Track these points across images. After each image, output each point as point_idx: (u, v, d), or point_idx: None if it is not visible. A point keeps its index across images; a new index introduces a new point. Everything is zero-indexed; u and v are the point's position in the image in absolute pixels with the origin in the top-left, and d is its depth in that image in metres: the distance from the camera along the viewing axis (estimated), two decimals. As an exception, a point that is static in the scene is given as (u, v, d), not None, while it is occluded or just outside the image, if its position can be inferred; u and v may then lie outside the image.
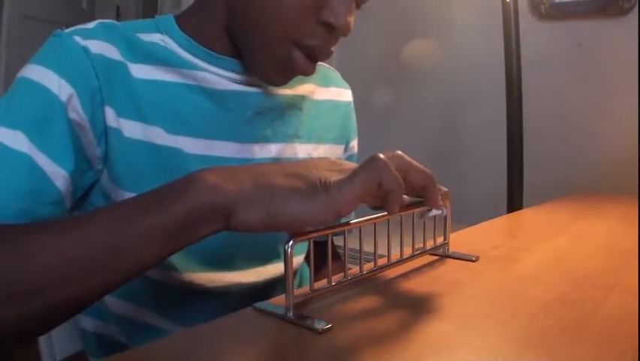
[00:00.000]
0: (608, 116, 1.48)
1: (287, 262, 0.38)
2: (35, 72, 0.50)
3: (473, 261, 0.55)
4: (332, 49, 0.56)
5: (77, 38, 0.52)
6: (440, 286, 0.47)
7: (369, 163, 0.39)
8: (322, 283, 0.44)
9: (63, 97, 0.50)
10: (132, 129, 0.54)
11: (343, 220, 0.49)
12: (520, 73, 1.18)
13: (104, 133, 0.53)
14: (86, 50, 0.52)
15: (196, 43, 0.57)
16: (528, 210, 1.00)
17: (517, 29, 1.16)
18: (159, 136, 0.55)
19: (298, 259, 0.70)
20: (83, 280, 0.37)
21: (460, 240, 0.64)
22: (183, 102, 0.56)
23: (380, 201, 0.40)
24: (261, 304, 0.41)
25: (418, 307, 0.42)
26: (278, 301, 0.42)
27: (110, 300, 0.59)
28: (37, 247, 0.37)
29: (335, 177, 0.40)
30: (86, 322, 0.63)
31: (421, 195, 0.45)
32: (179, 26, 0.58)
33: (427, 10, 1.81)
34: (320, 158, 0.48)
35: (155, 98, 0.55)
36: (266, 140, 0.62)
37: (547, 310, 0.41)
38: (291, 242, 0.38)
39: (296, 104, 0.65)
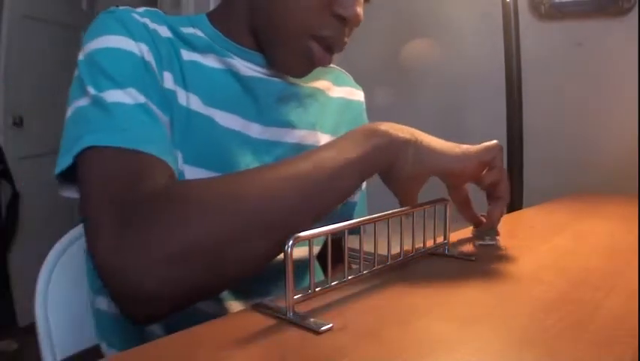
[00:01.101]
0: (608, 117, 1.48)
1: (287, 262, 0.38)
2: (108, 41, 0.53)
3: (473, 261, 0.55)
4: (345, 39, 0.61)
5: (135, 15, 0.57)
6: (440, 286, 0.47)
7: (490, 143, 0.56)
8: (322, 283, 0.44)
9: (145, 57, 0.55)
10: (181, 96, 0.58)
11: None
12: (520, 74, 1.18)
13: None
14: (145, 24, 0.57)
15: (225, 38, 0.63)
16: (528, 210, 1.00)
17: (517, 29, 1.16)
18: (196, 104, 0.59)
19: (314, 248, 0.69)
20: (316, 206, 0.47)
21: (460, 240, 0.64)
22: (218, 83, 0.62)
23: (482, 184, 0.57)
24: (261, 304, 0.41)
25: (418, 307, 0.42)
26: (278, 301, 0.42)
27: None
28: (281, 186, 0.46)
29: (464, 146, 0.55)
30: (101, 301, 0.63)
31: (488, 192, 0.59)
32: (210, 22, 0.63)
33: (426, 12, 1.80)
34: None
35: (197, 76, 0.60)
36: (290, 125, 0.66)
37: (547, 310, 0.41)
38: (291, 242, 0.38)
39: (314, 95, 0.71)
